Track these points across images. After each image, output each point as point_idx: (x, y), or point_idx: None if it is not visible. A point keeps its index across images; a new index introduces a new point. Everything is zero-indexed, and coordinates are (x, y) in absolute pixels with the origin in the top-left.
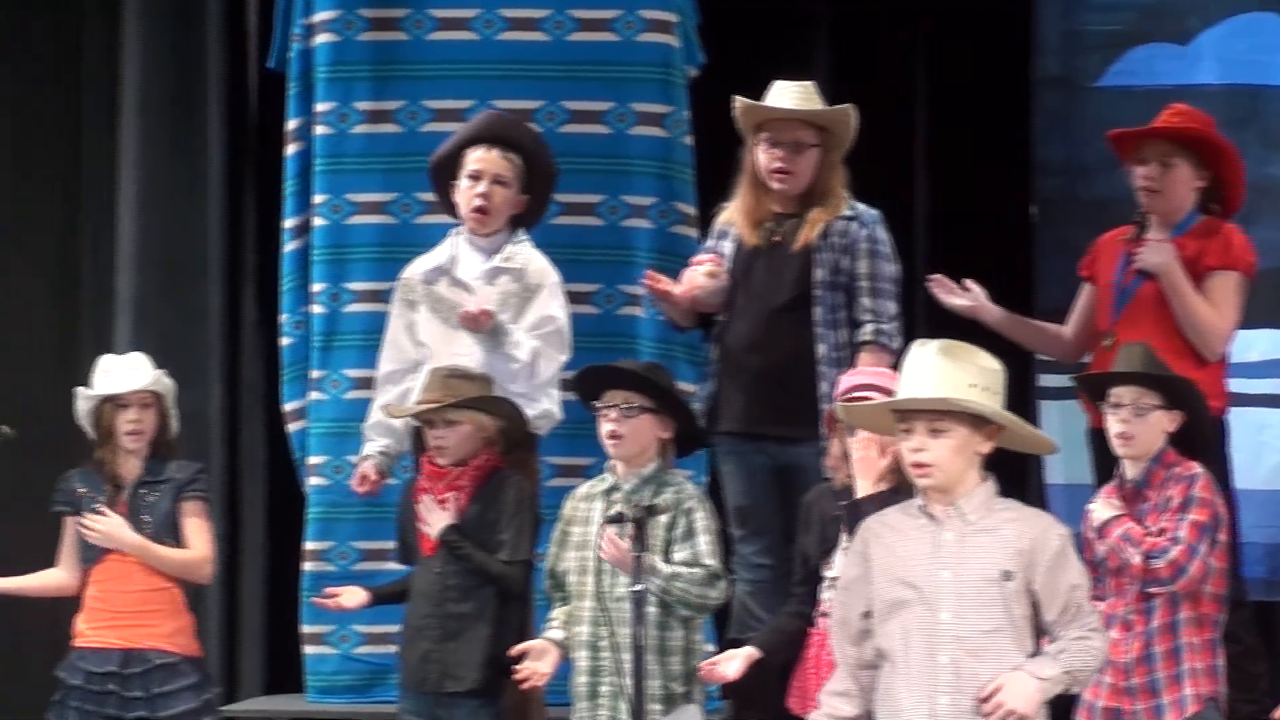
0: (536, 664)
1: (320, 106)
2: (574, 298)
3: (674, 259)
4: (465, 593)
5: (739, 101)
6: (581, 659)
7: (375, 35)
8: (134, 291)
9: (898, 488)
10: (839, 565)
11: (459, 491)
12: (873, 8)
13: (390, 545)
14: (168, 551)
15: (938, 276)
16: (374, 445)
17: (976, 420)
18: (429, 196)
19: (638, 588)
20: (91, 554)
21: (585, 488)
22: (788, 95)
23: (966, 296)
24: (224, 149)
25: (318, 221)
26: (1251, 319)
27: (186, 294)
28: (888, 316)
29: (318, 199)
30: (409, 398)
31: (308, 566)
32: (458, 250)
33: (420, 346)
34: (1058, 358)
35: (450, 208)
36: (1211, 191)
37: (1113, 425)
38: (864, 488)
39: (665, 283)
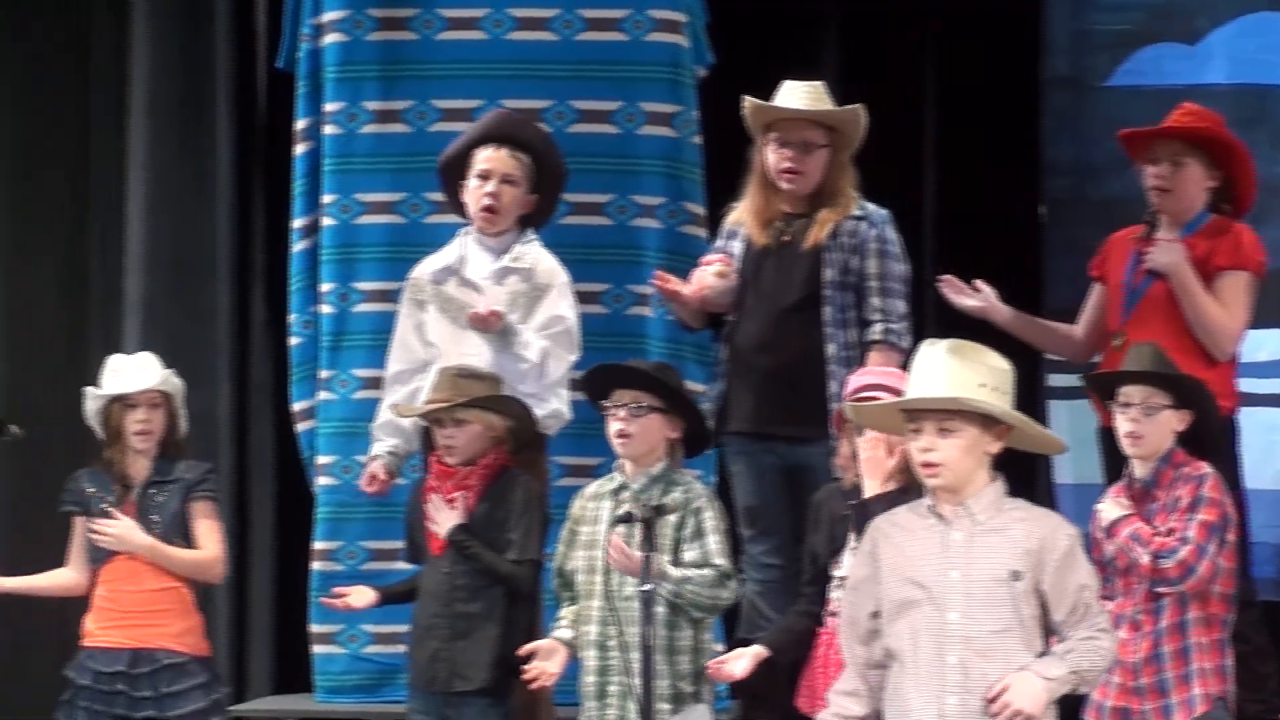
0: (545, 664)
1: (329, 106)
2: (583, 298)
3: (683, 259)
4: (474, 592)
5: (748, 101)
6: (590, 658)
7: (384, 35)
8: (143, 291)
9: (906, 487)
10: (848, 565)
11: (467, 491)
12: (882, 8)
13: (399, 545)
14: (179, 552)
15: (948, 277)
16: (383, 445)
17: (986, 420)
18: (438, 196)
19: (646, 587)
20: (100, 554)
21: (593, 487)
22: (797, 95)
23: (977, 297)
24: (233, 149)
25: (326, 221)
26: (1261, 319)
27: (195, 294)
28: (897, 316)
29: (326, 199)
30: (418, 397)
31: (316, 566)
32: (467, 250)
33: (429, 346)
34: (1068, 357)
35: (459, 208)
36: (1222, 191)
37: (1122, 424)
38: (872, 488)
39: (674, 283)
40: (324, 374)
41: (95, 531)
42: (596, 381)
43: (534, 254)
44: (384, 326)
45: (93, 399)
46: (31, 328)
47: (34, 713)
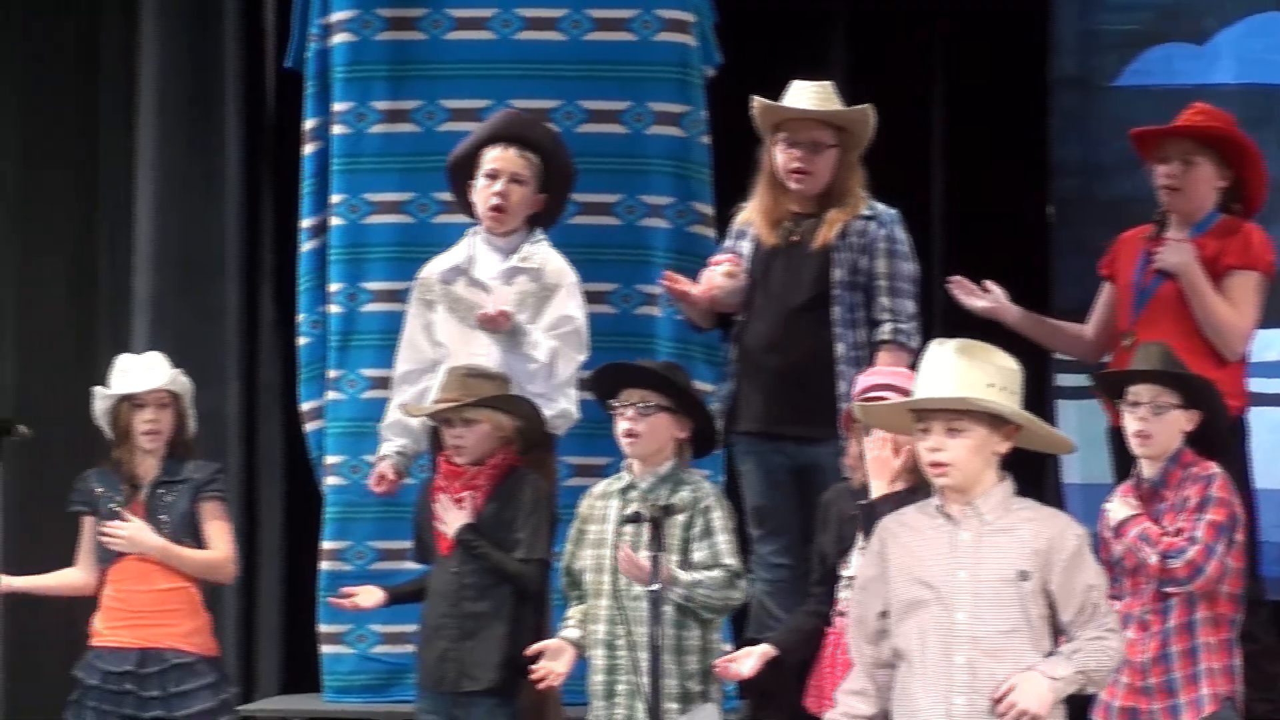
0: (552, 663)
1: (338, 106)
2: (591, 297)
3: (691, 259)
4: (482, 592)
5: (757, 101)
6: (598, 657)
7: (393, 35)
8: (151, 291)
9: (915, 487)
10: (856, 565)
11: (475, 491)
12: (890, 8)
13: (407, 545)
14: (191, 553)
15: (957, 278)
16: (391, 445)
17: (994, 420)
18: (446, 196)
19: (655, 587)
20: (108, 554)
21: (601, 486)
22: (806, 95)
23: (986, 298)
24: (241, 148)
25: (335, 221)
26: (1271, 318)
27: (204, 293)
28: (906, 316)
29: (335, 198)
30: (426, 397)
31: (325, 566)
32: (475, 250)
33: (438, 346)
34: (1078, 357)
35: (467, 207)
36: (1233, 191)
37: (1130, 424)
38: (878, 488)
39: (683, 283)
40: (332, 374)
41: (107, 534)
42: (605, 381)
43: (543, 254)
44: (392, 326)
45: (101, 398)
46: (40, 327)
47: (42, 712)
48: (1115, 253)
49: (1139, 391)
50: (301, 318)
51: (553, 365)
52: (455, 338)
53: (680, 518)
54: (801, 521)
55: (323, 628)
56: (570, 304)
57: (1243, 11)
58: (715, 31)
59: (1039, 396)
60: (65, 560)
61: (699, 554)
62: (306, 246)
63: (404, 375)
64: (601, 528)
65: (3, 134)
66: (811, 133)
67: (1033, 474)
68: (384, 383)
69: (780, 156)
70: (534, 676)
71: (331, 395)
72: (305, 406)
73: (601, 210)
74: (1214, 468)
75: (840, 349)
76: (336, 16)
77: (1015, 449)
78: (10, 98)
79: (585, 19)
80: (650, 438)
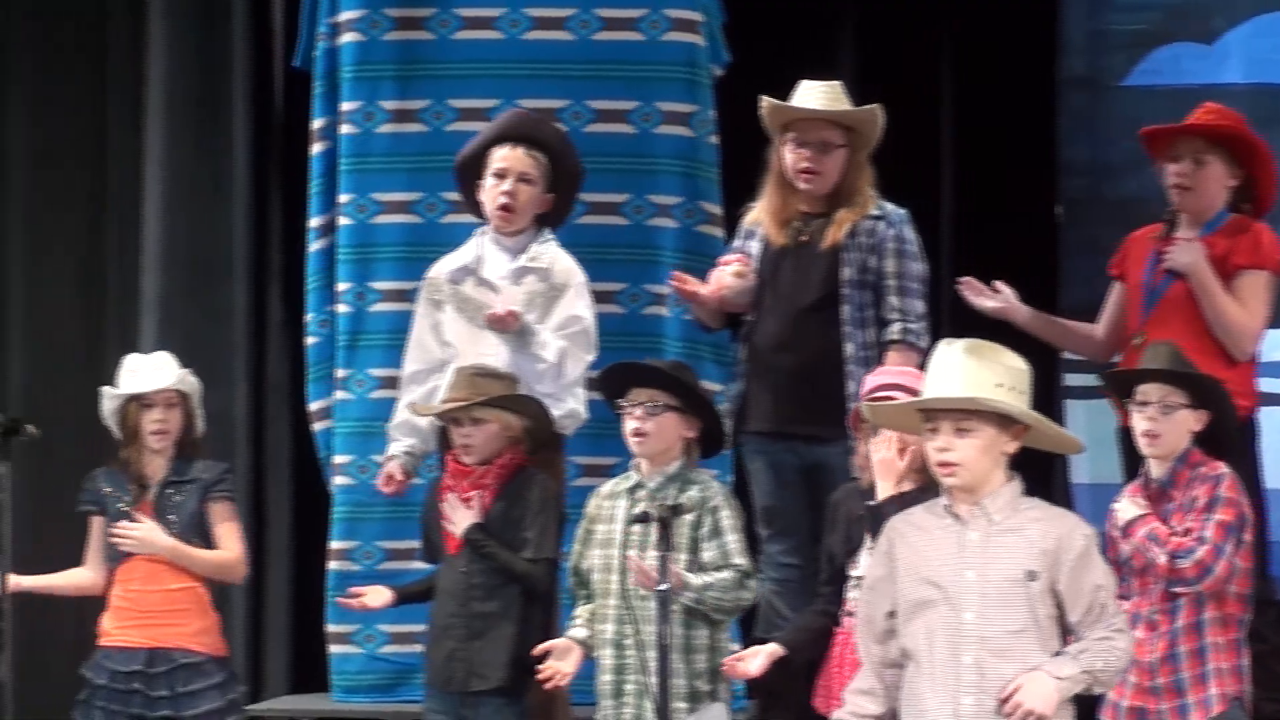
0: (559, 663)
1: (346, 106)
2: (599, 297)
3: (699, 258)
4: (490, 591)
5: (766, 101)
6: (606, 657)
7: (401, 34)
8: (159, 291)
9: (924, 487)
10: (864, 565)
11: (484, 490)
12: (899, 8)
13: (415, 544)
14: (202, 553)
15: (967, 279)
16: (399, 445)
17: (1003, 420)
18: (454, 196)
19: (663, 587)
20: (117, 554)
21: (609, 485)
22: (814, 95)
23: (996, 298)
24: (249, 148)
25: (343, 221)
26: None
27: (212, 293)
28: (915, 315)
29: (343, 198)
30: (434, 397)
31: (333, 566)
32: (483, 250)
33: (446, 346)
34: (1089, 357)
35: (475, 207)
36: (1243, 190)
37: (1139, 423)
38: (884, 489)
39: (692, 283)
40: (340, 373)
41: (118, 535)
42: (613, 380)
43: (551, 254)
44: (401, 326)
45: (109, 398)
46: (48, 327)
47: (51, 712)
48: (1125, 252)
49: (1147, 391)
50: (309, 317)
51: (561, 365)
52: (463, 338)
53: (688, 517)
54: (810, 521)
55: (331, 627)
56: (578, 304)
57: (1251, 11)
58: (723, 31)
59: (1047, 396)
60: (73, 560)
61: (708, 554)
62: (314, 246)
63: (412, 375)
64: (609, 527)
65: (11, 134)
66: (820, 133)
67: (1041, 474)
68: (392, 382)
69: (789, 156)
70: (541, 676)
71: (339, 395)
72: (313, 406)
73: (609, 210)
74: (1222, 468)
75: (849, 349)
76: (345, 16)
77: (1024, 448)
78: (19, 98)
79: (593, 18)
80: (658, 437)
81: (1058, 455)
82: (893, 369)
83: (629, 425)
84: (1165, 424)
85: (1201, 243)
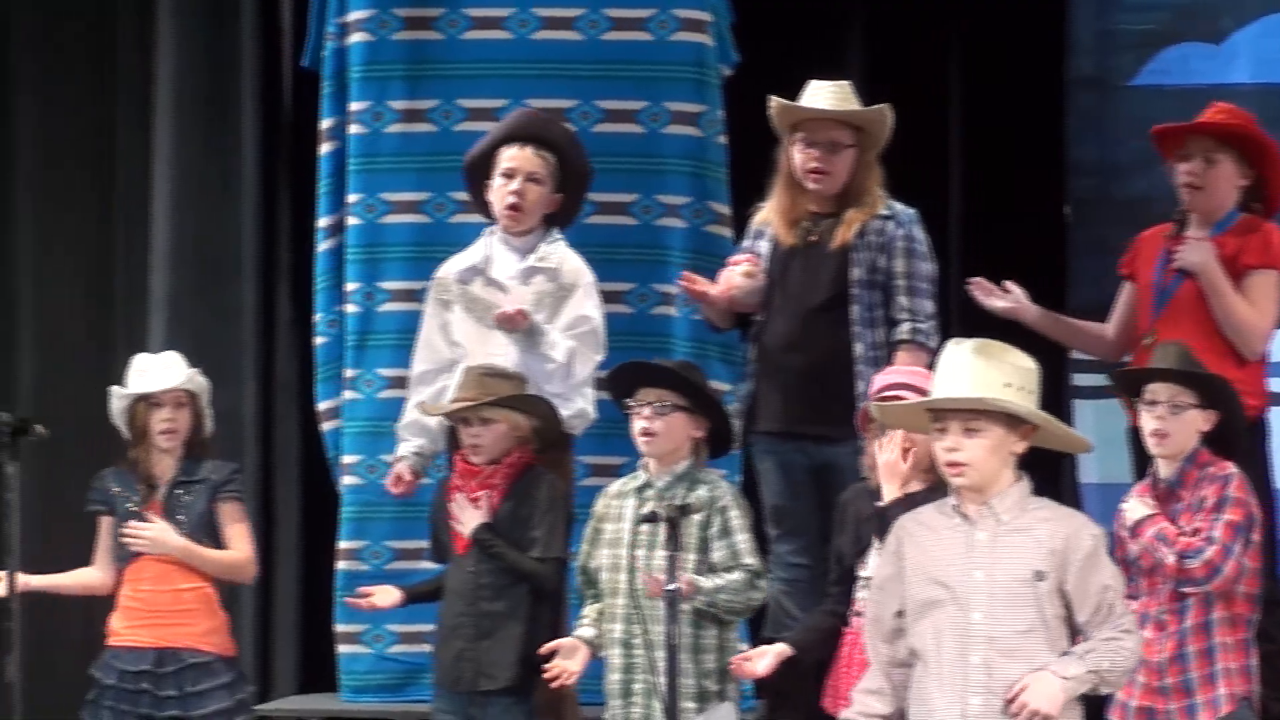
0: (566, 662)
1: (354, 105)
2: (607, 297)
3: (708, 258)
4: (498, 591)
5: (775, 101)
6: (615, 656)
7: (409, 34)
8: (168, 290)
9: (933, 487)
10: (873, 565)
11: (492, 490)
12: (908, 7)
13: (424, 544)
14: (213, 553)
15: (978, 279)
16: (408, 445)
17: (1011, 420)
18: (463, 196)
19: (672, 586)
20: (126, 554)
21: (617, 485)
22: (823, 95)
23: (1007, 298)
24: (258, 148)
25: (352, 220)
26: None
27: (221, 293)
28: (925, 315)
29: (352, 198)
30: (443, 397)
31: (341, 566)
32: (492, 250)
33: (455, 346)
34: (1100, 357)
35: (484, 207)
36: (1254, 190)
37: (1147, 423)
38: (890, 492)
39: (702, 283)
40: (349, 373)
41: (129, 535)
42: (621, 380)
43: (559, 254)
44: (409, 326)
45: (118, 398)
46: (56, 326)
47: (59, 711)
48: (1135, 252)
49: (1156, 390)
50: (318, 317)
51: (570, 365)
52: (472, 338)
53: (697, 517)
54: (820, 521)
55: (339, 627)
56: (587, 304)
57: (1259, 11)
58: (732, 31)
59: (1056, 396)
60: (82, 560)
61: (718, 554)
62: (323, 246)
63: (421, 375)
64: (618, 526)
65: (20, 133)
66: (829, 132)
67: (1050, 473)
68: (401, 382)
69: (798, 156)
70: (548, 675)
71: (348, 395)
72: (322, 406)
73: (618, 210)
74: (1231, 468)
75: (859, 349)
76: (353, 16)
77: (1032, 448)
78: (28, 97)
79: (602, 18)
80: (667, 437)
81: (1066, 455)
82: (901, 369)
83: (637, 425)
84: (1174, 424)
85: (1211, 242)
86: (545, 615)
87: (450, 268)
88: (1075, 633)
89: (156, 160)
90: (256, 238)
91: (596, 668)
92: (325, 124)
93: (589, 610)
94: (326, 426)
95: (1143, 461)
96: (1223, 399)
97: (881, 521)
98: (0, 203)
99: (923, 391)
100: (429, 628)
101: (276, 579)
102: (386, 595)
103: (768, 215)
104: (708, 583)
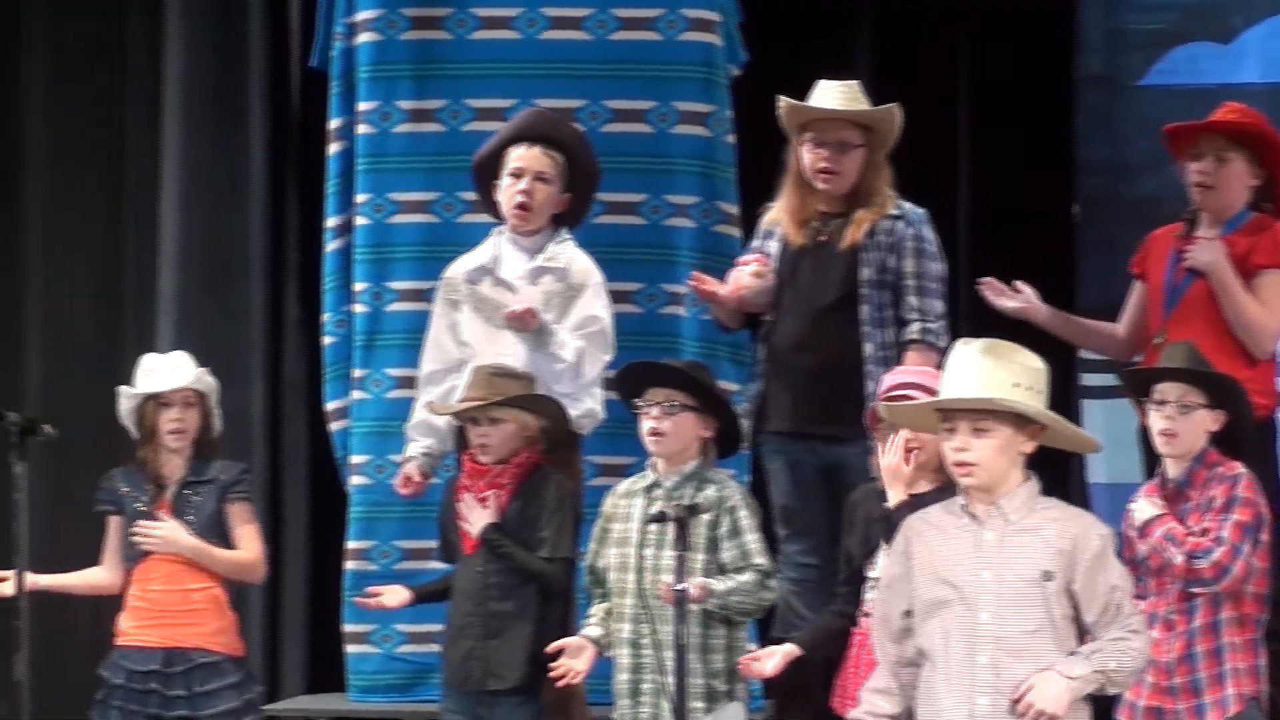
0: (572, 661)
1: (363, 105)
2: (616, 297)
3: (716, 258)
4: (507, 591)
5: (783, 101)
6: (623, 656)
7: (417, 34)
8: (176, 290)
9: (942, 487)
10: (882, 565)
11: (500, 489)
12: (916, 7)
13: (432, 544)
14: (224, 553)
15: (988, 279)
16: (417, 446)
17: (1020, 419)
18: (471, 196)
19: (681, 586)
20: (134, 553)
21: (626, 484)
22: (832, 95)
23: (1017, 298)
24: (266, 148)
25: (360, 220)
26: None
27: (229, 292)
28: (934, 315)
29: (360, 198)
30: (451, 397)
31: (350, 566)
32: (500, 250)
33: (463, 346)
34: (1111, 356)
35: (492, 207)
36: (1265, 190)
37: (1156, 422)
38: (894, 496)
39: (711, 283)
40: (357, 373)
41: (141, 534)
42: (629, 380)
43: (568, 254)
44: (418, 326)
45: (126, 398)
46: (65, 326)
47: (68, 711)
48: (1146, 251)
49: (1165, 390)
50: (326, 317)
51: (579, 365)
52: (481, 338)
53: (706, 517)
54: (829, 521)
55: (348, 627)
56: (596, 304)
57: (1268, 11)
58: (740, 31)
59: (1064, 396)
60: (90, 559)
61: (728, 554)
62: (331, 246)
63: (429, 375)
64: (626, 526)
65: (29, 133)
66: (838, 132)
67: (1058, 473)
68: (409, 382)
69: (807, 156)
70: (554, 674)
71: (356, 395)
72: (330, 406)
73: (626, 210)
74: (1239, 468)
75: (868, 349)
76: (361, 16)
77: (1041, 448)
78: (37, 97)
79: (610, 18)
80: (675, 437)
81: (1075, 455)
82: (910, 368)
83: (646, 425)
84: (1182, 423)
85: (1222, 241)
86: (554, 615)
87: (459, 268)
88: (1083, 633)
89: (165, 160)
90: (265, 237)
91: (605, 667)
92: (333, 124)
93: (595, 610)
94: (335, 426)
95: (1153, 461)
96: (1231, 399)
97: (889, 525)
98: (9, 203)
99: (932, 391)
100: (437, 628)
101: (285, 579)
102: (395, 595)
103: (777, 215)
104: (720, 585)
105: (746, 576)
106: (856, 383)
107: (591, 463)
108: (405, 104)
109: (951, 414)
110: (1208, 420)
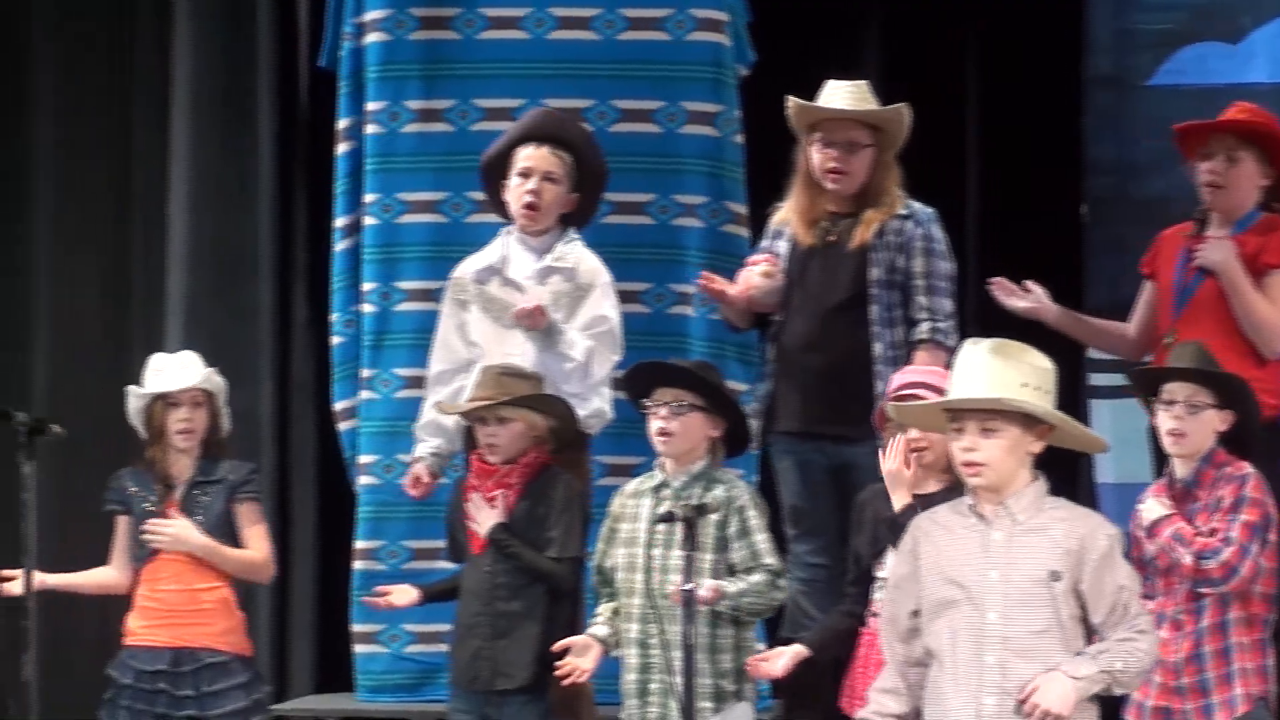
0: (578, 660)
1: (371, 105)
2: (624, 297)
3: (725, 258)
4: (515, 590)
5: (792, 102)
6: (631, 656)
7: (426, 34)
8: (185, 290)
9: (950, 487)
10: (891, 566)
11: (508, 489)
12: (925, 7)
13: (440, 544)
14: (233, 552)
15: (998, 279)
16: (426, 446)
17: (1028, 420)
18: (480, 195)
19: (688, 586)
20: (143, 553)
21: (634, 484)
22: (841, 95)
23: (1027, 298)
24: (275, 147)
25: (368, 220)
26: None
27: (237, 292)
28: (944, 314)
29: (368, 198)
30: (460, 397)
31: (358, 565)
32: (509, 250)
33: (472, 346)
34: (1121, 356)
35: (500, 207)
36: (1275, 190)
37: (1164, 422)
38: (898, 499)
39: (720, 283)
40: (366, 373)
41: (151, 532)
42: (638, 380)
43: (576, 254)
44: (426, 326)
45: (135, 398)
46: (73, 326)
47: (76, 711)
48: (1156, 251)
49: (1174, 390)
50: (335, 317)
51: (588, 365)
52: (489, 337)
53: (714, 517)
54: (838, 521)
55: (356, 627)
56: (604, 304)
57: (1277, 11)
58: (749, 30)
59: (1073, 396)
60: (98, 559)
61: (737, 554)
62: (340, 246)
63: (438, 375)
64: (634, 526)
65: (38, 133)
66: (847, 132)
67: (1067, 473)
68: (417, 382)
69: (816, 156)
70: (559, 673)
71: (365, 395)
72: (338, 406)
73: (635, 210)
74: (1247, 468)
75: (878, 348)
76: (370, 16)
77: (1049, 448)
78: (45, 97)
79: (619, 18)
80: (683, 437)
81: (1083, 455)
82: (919, 368)
83: (654, 425)
84: (1191, 423)
85: (1232, 241)
86: (562, 615)
87: (467, 267)
88: (1091, 633)
89: (174, 160)
90: (273, 238)
91: (613, 667)
92: (342, 124)
93: (602, 609)
94: (343, 426)
95: (1162, 461)
96: (1240, 399)
97: (895, 528)
98: (18, 203)
99: (940, 391)
100: (445, 627)
101: (293, 579)
102: (403, 595)
103: (786, 215)
104: (732, 587)
105: (757, 577)
106: (866, 383)
107: (600, 462)
108: (413, 104)
109: (960, 414)
110: (1216, 420)
